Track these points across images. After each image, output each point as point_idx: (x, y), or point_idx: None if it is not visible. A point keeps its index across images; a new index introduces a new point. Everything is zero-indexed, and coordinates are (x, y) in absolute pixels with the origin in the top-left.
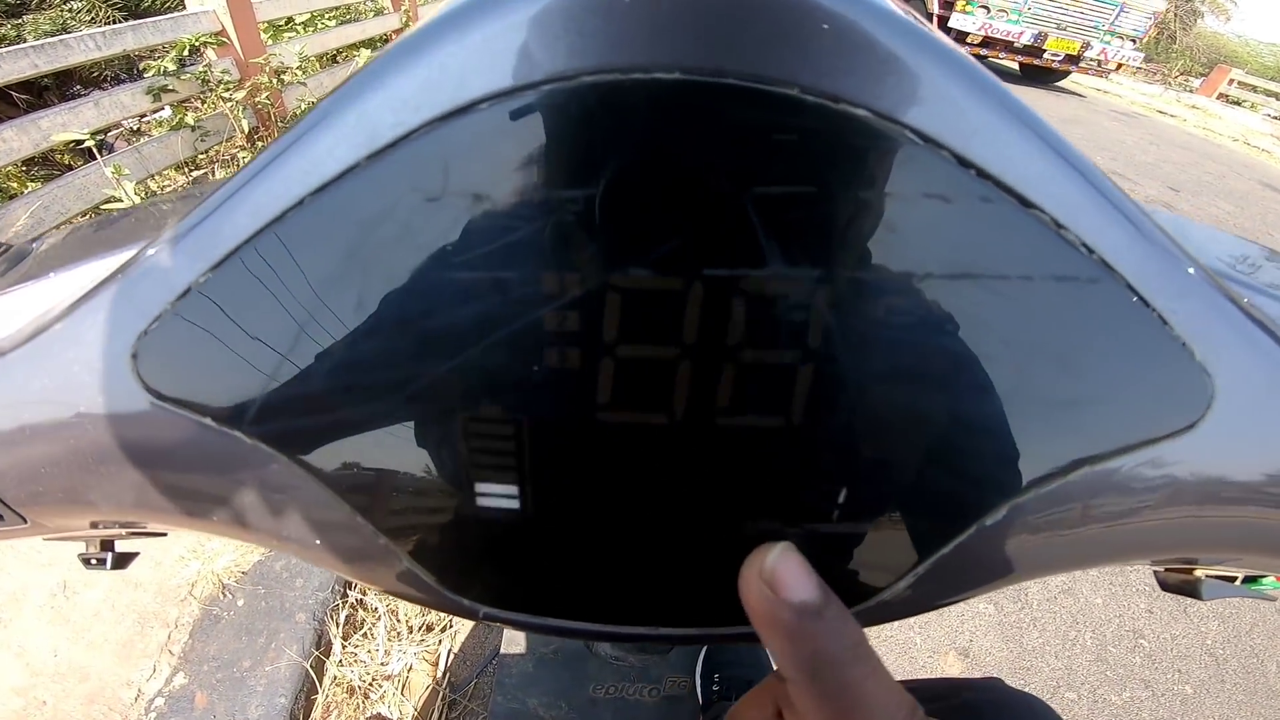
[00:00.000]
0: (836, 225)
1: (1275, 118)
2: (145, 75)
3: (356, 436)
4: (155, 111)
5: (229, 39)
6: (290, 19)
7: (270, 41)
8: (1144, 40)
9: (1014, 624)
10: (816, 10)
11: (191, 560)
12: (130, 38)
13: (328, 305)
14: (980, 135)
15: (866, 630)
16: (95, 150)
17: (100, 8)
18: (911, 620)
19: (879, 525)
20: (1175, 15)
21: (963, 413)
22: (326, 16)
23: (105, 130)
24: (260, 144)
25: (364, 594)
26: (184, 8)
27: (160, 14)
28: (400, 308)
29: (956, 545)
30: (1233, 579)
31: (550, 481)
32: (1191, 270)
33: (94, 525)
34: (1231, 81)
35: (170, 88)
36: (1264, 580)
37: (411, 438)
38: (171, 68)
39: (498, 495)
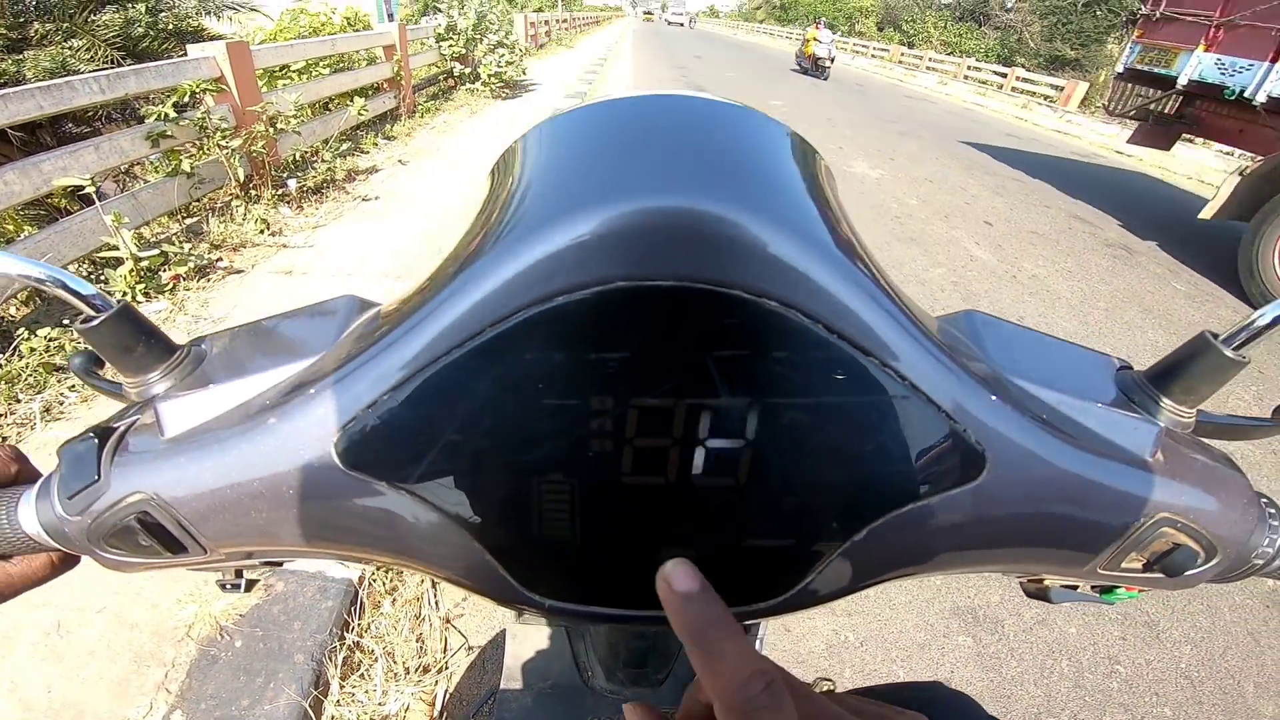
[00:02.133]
0: (759, 371)
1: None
2: (144, 118)
3: (476, 494)
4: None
5: (227, 86)
6: (286, 66)
7: (266, 89)
8: None
9: (992, 654)
10: (736, 239)
11: (188, 603)
12: (133, 82)
13: (459, 415)
14: (844, 316)
15: (797, 614)
16: (95, 196)
17: (100, 46)
18: (895, 655)
19: (794, 541)
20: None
21: (840, 473)
22: (322, 64)
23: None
24: (253, 192)
25: (361, 636)
26: (179, 49)
27: (156, 54)
28: (505, 421)
29: (839, 553)
30: (1074, 587)
31: (592, 521)
32: (970, 382)
33: (248, 556)
34: None
35: (169, 133)
36: (1116, 591)
37: (511, 495)
38: (172, 113)
39: (560, 529)
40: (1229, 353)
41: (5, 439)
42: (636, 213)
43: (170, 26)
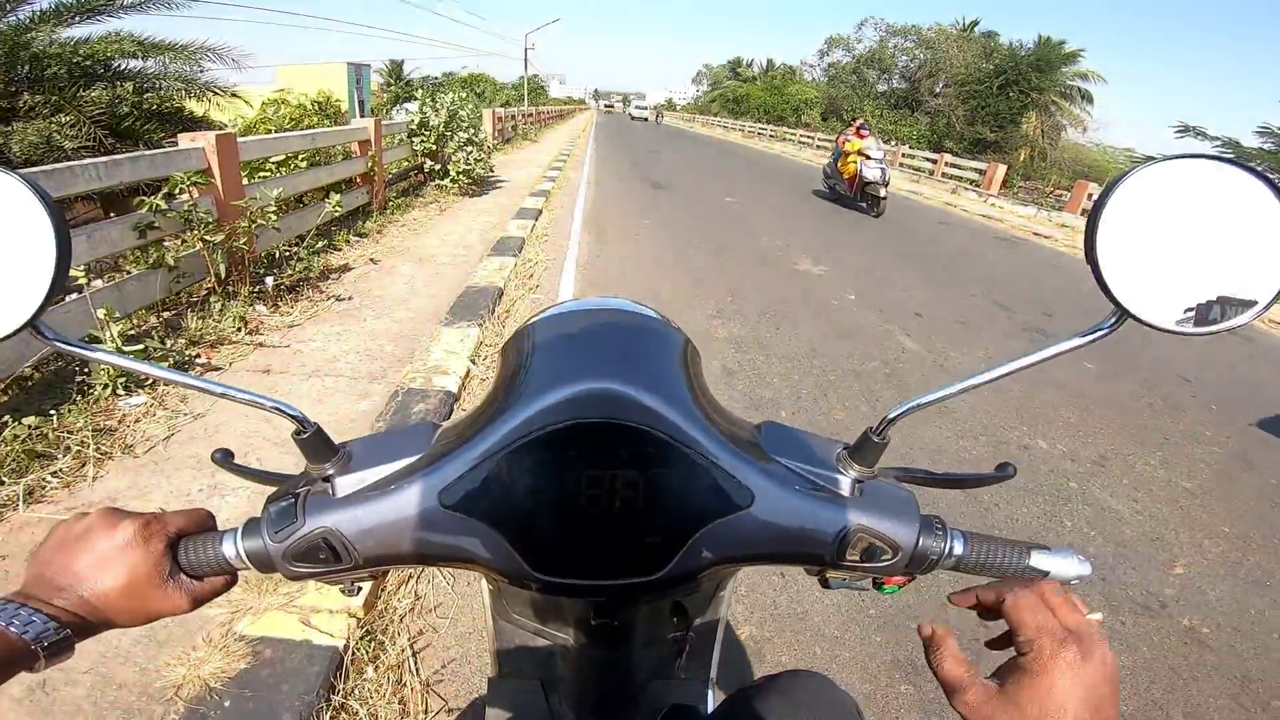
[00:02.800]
0: (644, 455)
1: None
2: (113, 200)
3: (509, 519)
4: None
5: (213, 178)
6: (266, 159)
7: (247, 181)
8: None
9: (932, 699)
10: (634, 400)
11: (177, 666)
12: (128, 169)
13: (503, 481)
14: (682, 433)
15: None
16: (83, 287)
17: (85, 124)
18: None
19: (664, 539)
20: (1042, 133)
21: (683, 503)
22: (300, 158)
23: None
24: (231, 288)
25: (346, 698)
26: (160, 130)
27: (139, 134)
28: (526, 483)
29: (688, 546)
30: (844, 579)
31: (570, 530)
32: (746, 458)
33: (380, 564)
34: (1090, 196)
35: (156, 225)
36: (888, 587)
37: (528, 518)
38: (163, 205)
39: (553, 535)
40: (875, 438)
41: None
42: (585, 389)
43: (154, 107)
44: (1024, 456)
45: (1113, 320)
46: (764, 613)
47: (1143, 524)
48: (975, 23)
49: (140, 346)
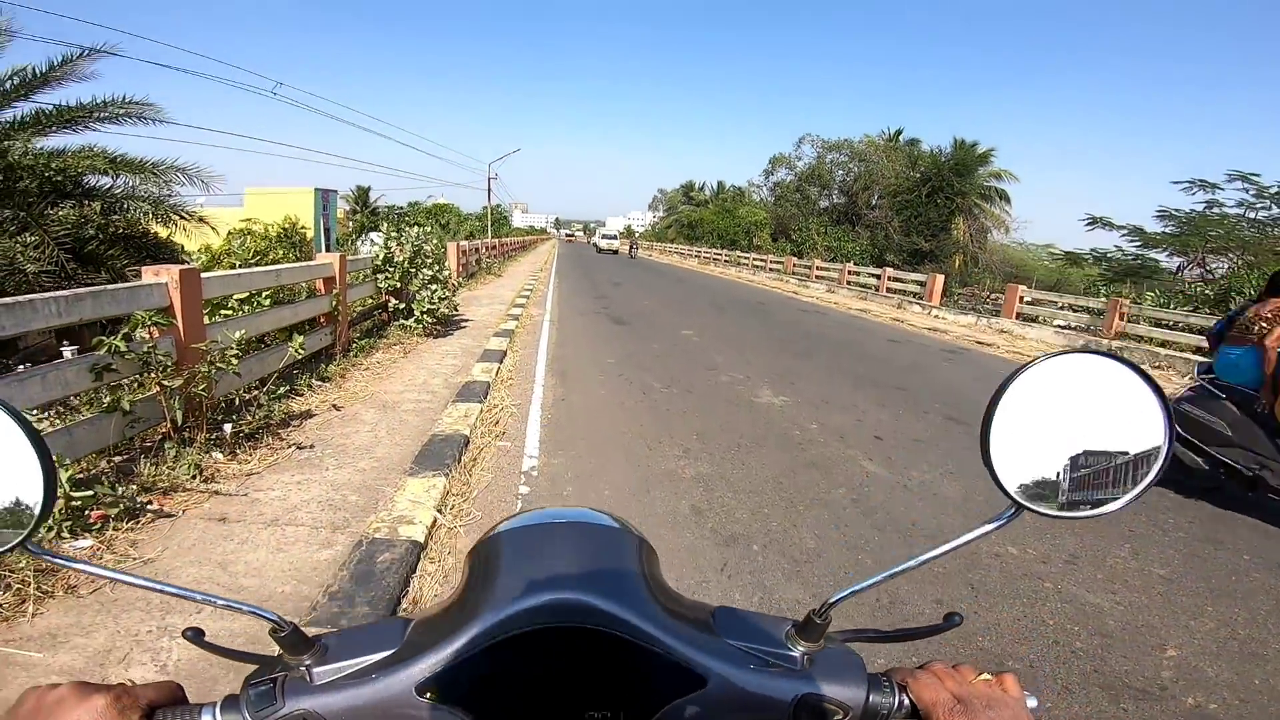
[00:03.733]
0: (604, 649)
1: (1064, 327)
2: (95, 347)
3: (489, 712)
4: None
5: (175, 317)
6: (229, 296)
7: (209, 319)
8: None
9: None
10: (593, 606)
11: None
12: (89, 305)
13: (474, 675)
14: (637, 631)
15: None
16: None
17: (49, 244)
18: None
19: (627, 712)
20: (971, 237)
21: (643, 684)
22: (263, 294)
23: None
24: (186, 435)
25: None
26: (123, 255)
27: (101, 258)
28: (498, 677)
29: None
30: None
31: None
32: (698, 642)
33: None
34: (1022, 299)
35: (114, 366)
36: None
37: (508, 713)
38: (122, 346)
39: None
40: (817, 619)
41: None
42: (555, 599)
43: (120, 230)
44: (996, 563)
45: (1010, 512)
46: None
47: (1125, 614)
48: (899, 131)
49: (90, 492)
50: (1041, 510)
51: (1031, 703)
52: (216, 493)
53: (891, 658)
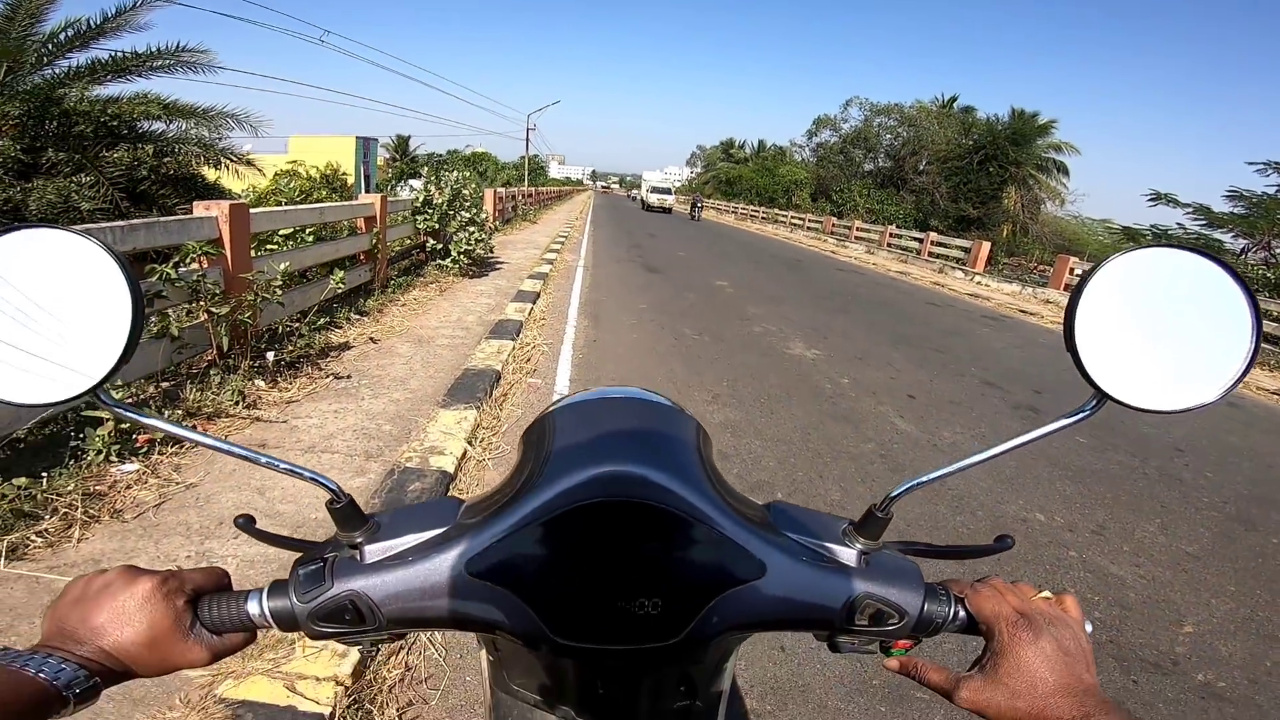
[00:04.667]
0: (663, 528)
1: None
2: (147, 275)
3: (531, 585)
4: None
5: (224, 248)
6: (274, 231)
7: (255, 253)
8: None
9: None
10: (650, 480)
11: None
12: (143, 235)
13: (526, 553)
14: (696, 510)
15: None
16: None
17: (104, 184)
18: None
19: (682, 605)
20: (1023, 208)
21: (698, 574)
22: (307, 231)
23: None
24: (231, 361)
25: None
26: (174, 195)
27: (153, 197)
28: (548, 556)
29: (703, 614)
30: (853, 643)
31: (588, 593)
32: (756, 531)
33: (401, 627)
34: (1072, 270)
35: (164, 294)
36: (895, 650)
37: (547, 582)
38: (173, 274)
39: (572, 599)
40: (879, 514)
41: None
42: (609, 470)
43: (171, 171)
44: (1023, 529)
45: (1094, 403)
46: (763, 687)
47: (1146, 588)
48: (954, 99)
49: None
50: (1126, 401)
51: (1088, 627)
52: (258, 419)
53: (938, 576)
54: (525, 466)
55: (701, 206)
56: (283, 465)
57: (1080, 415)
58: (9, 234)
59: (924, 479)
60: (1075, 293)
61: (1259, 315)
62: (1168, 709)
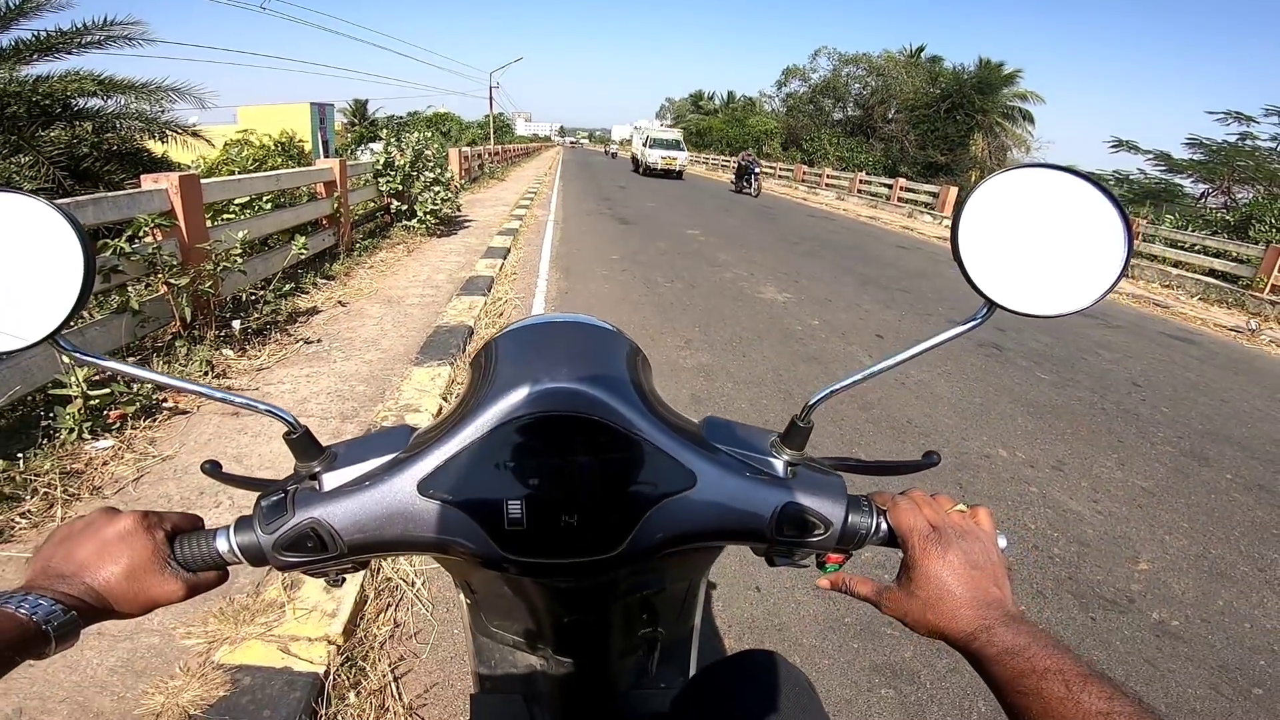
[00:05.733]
0: (599, 443)
1: None
2: (99, 251)
3: (483, 503)
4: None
5: (177, 220)
6: (230, 200)
7: (211, 224)
8: None
9: (914, 702)
10: (589, 395)
11: (155, 694)
12: (91, 211)
13: (477, 468)
14: (631, 423)
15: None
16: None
17: (44, 164)
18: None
19: (621, 514)
20: (989, 154)
21: (633, 484)
22: (264, 199)
23: None
24: (196, 332)
25: None
26: (119, 171)
27: (97, 175)
28: (498, 470)
29: (642, 522)
30: (789, 558)
31: (537, 510)
32: (687, 444)
33: (363, 553)
34: None
35: (120, 268)
36: (829, 565)
37: (498, 501)
38: (126, 247)
39: (523, 516)
40: (800, 423)
41: None
42: (548, 387)
43: (114, 147)
44: (985, 464)
45: (984, 311)
46: (741, 626)
47: (1104, 524)
48: (921, 48)
49: (107, 391)
50: (1012, 308)
51: (1002, 541)
52: (228, 388)
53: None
54: (471, 389)
55: (758, 173)
56: (238, 400)
57: (972, 323)
58: None
59: (838, 385)
60: (958, 209)
61: (1130, 229)
62: (1125, 647)
